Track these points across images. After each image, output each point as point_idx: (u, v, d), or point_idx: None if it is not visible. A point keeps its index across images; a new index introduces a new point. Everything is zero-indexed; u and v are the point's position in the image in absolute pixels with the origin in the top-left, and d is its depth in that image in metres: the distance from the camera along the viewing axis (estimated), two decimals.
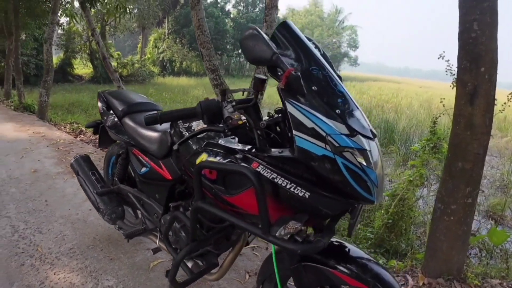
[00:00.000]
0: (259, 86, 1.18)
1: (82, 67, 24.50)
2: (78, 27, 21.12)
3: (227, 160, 1.10)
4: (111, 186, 2.24)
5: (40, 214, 2.88)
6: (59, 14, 7.80)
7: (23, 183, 3.53)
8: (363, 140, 0.91)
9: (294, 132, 0.92)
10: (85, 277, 2.11)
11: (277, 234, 0.95)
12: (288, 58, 1.00)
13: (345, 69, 59.63)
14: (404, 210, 3.39)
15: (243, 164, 1.04)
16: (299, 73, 0.93)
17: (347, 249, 1.13)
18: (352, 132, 0.90)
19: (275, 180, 0.95)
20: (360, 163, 0.88)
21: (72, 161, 2.37)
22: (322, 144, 0.89)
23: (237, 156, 1.08)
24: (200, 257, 1.57)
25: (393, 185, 4.16)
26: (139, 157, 1.86)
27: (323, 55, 1.13)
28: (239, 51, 35.21)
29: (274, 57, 0.94)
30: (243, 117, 1.16)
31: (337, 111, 0.92)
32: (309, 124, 0.91)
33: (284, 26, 1.07)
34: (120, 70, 22.88)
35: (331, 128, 0.89)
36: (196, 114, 1.14)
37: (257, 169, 0.99)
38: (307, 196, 0.92)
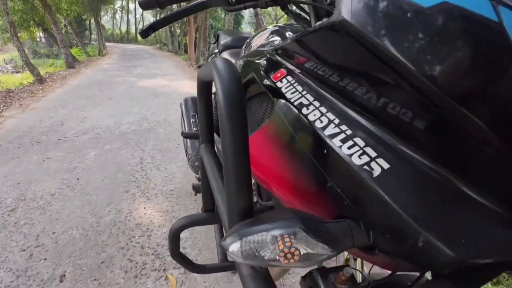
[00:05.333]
0: None
1: None
2: None
3: None
4: None
5: (167, 154, 2.99)
6: None
7: (171, 127, 3.84)
8: None
9: None
10: (165, 220, 1.96)
11: None
12: None
13: None
14: None
15: None
16: None
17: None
18: None
19: None
20: None
21: (181, 101, 2.24)
22: None
23: None
24: None
25: None
26: None
27: None
28: None
29: None
30: None
31: None
32: None
33: None
34: None
35: None
36: None
37: None
38: None
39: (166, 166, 2.74)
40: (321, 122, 0.42)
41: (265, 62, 0.62)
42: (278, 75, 0.53)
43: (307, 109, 0.44)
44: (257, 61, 0.64)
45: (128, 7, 36.62)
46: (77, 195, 2.22)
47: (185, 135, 1.80)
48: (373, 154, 0.36)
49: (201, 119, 0.72)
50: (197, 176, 1.91)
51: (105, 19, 39.47)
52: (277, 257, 0.34)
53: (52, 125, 3.84)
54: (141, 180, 2.46)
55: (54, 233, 1.84)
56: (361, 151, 0.37)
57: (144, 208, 2.09)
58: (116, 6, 34.38)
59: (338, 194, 0.40)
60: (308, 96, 0.45)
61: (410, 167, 0.34)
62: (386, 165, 0.35)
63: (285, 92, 0.49)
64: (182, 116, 2.10)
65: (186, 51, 16.27)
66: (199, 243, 1.79)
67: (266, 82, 0.56)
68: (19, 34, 10.86)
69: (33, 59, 13.96)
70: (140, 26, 38.37)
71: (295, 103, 0.46)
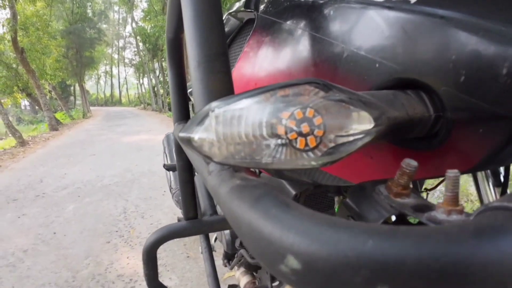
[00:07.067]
0: None
1: None
2: None
3: None
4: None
5: (152, 202, 2.84)
6: None
7: (156, 176, 3.71)
8: None
9: None
10: None
11: None
12: None
13: None
14: None
15: None
16: None
17: None
18: None
19: None
20: None
21: (163, 137, 2.18)
22: None
23: None
24: None
25: None
26: None
27: None
28: None
29: None
30: None
31: None
32: None
33: None
34: None
35: None
36: None
37: None
38: None
39: (152, 213, 2.58)
40: None
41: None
42: None
43: None
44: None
45: (111, 71, 37.81)
46: (52, 250, 2.02)
47: (168, 167, 1.71)
48: None
49: (173, 89, 0.59)
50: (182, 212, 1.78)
51: (90, 84, 40.46)
52: (284, 137, 0.18)
53: (30, 183, 3.65)
54: (124, 230, 2.29)
55: None
56: None
57: (127, 258, 1.90)
58: (100, 72, 35.49)
59: (362, 59, 0.28)
60: None
61: None
62: None
63: None
64: (165, 151, 2.04)
65: (170, 109, 16.58)
66: None
67: (242, 7, 0.54)
68: (3, 100, 10.88)
69: (17, 126, 13.78)
70: (124, 89, 39.27)
71: None
